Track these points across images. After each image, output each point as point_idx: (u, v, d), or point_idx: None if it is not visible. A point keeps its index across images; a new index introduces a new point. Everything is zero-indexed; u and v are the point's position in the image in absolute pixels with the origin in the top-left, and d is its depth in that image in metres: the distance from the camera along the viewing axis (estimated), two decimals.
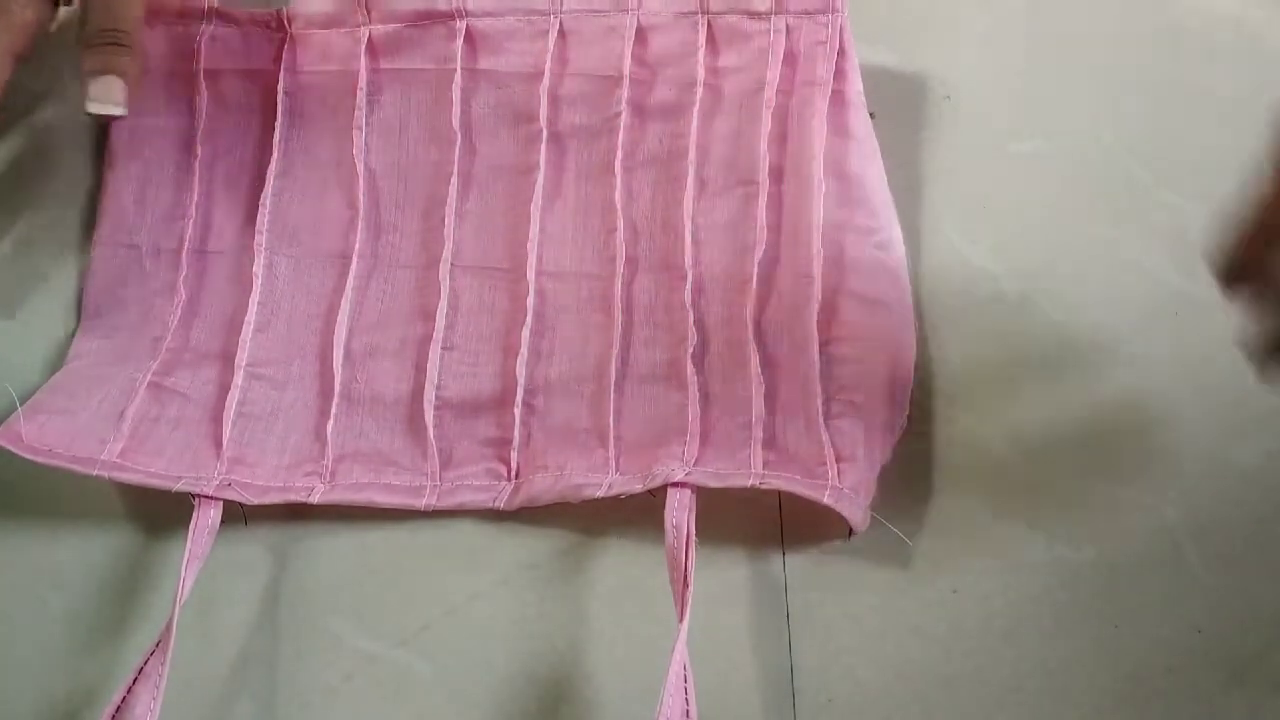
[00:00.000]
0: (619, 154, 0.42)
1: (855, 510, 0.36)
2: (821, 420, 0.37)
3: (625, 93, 0.42)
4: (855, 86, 0.42)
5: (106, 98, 0.39)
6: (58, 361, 0.41)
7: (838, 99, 0.42)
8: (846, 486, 0.36)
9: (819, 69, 0.42)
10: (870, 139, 0.42)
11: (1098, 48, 0.45)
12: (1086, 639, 0.36)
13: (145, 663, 0.34)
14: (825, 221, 0.40)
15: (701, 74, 0.42)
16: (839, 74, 0.42)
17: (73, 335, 0.42)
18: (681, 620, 0.33)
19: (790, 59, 0.42)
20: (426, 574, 0.38)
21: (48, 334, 0.42)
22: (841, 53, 0.42)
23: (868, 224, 0.41)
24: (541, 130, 0.42)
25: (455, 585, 0.38)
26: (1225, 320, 0.38)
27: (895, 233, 0.41)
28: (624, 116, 0.42)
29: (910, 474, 0.38)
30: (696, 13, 0.43)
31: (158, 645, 0.34)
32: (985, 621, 0.36)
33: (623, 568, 0.38)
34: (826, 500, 0.35)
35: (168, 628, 0.34)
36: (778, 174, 0.41)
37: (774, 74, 0.42)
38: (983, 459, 0.38)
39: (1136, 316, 0.40)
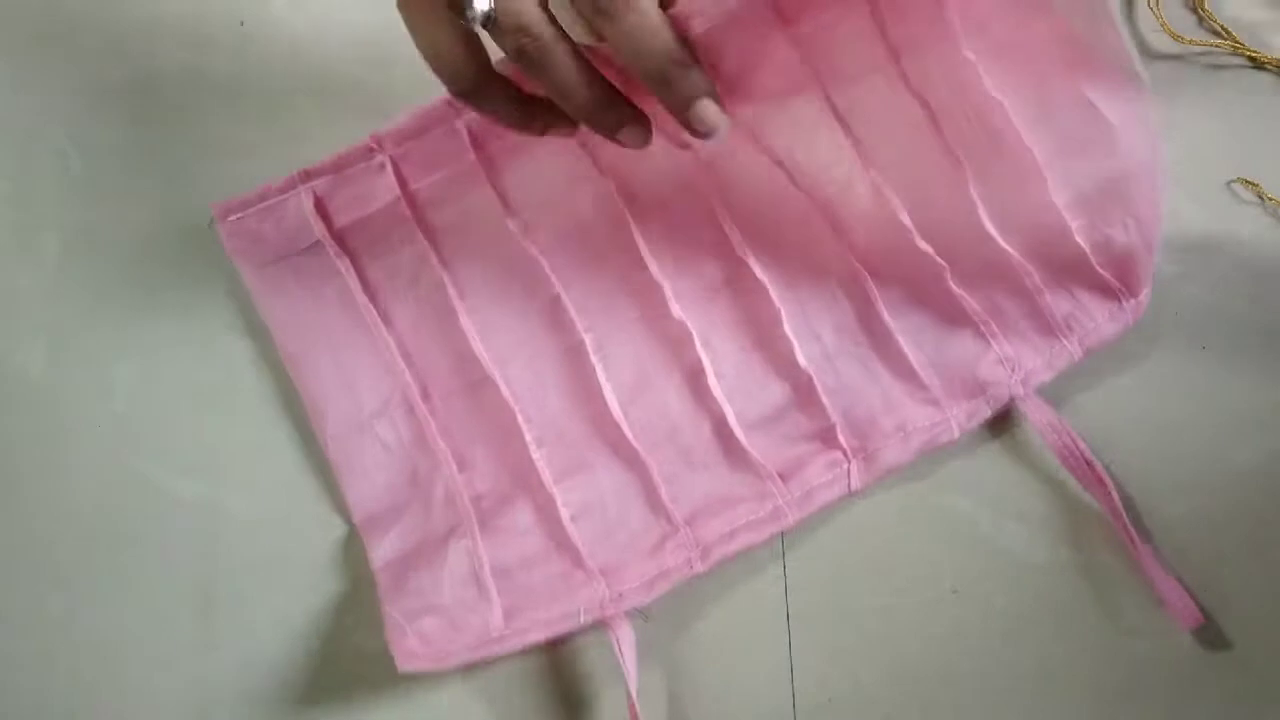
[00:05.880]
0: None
1: (1144, 275, 0.38)
2: (1095, 263, 0.38)
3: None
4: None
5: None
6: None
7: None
8: (1140, 298, 0.38)
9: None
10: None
11: None
12: (1086, 639, 0.36)
13: None
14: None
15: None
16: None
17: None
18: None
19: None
20: None
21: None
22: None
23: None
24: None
25: None
26: (1225, 321, 0.39)
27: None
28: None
29: (912, 474, 0.38)
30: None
31: None
32: (985, 621, 0.36)
33: None
34: (1129, 315, 0.38)
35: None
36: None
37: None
38: (984, 459, 0.38)
39: None
